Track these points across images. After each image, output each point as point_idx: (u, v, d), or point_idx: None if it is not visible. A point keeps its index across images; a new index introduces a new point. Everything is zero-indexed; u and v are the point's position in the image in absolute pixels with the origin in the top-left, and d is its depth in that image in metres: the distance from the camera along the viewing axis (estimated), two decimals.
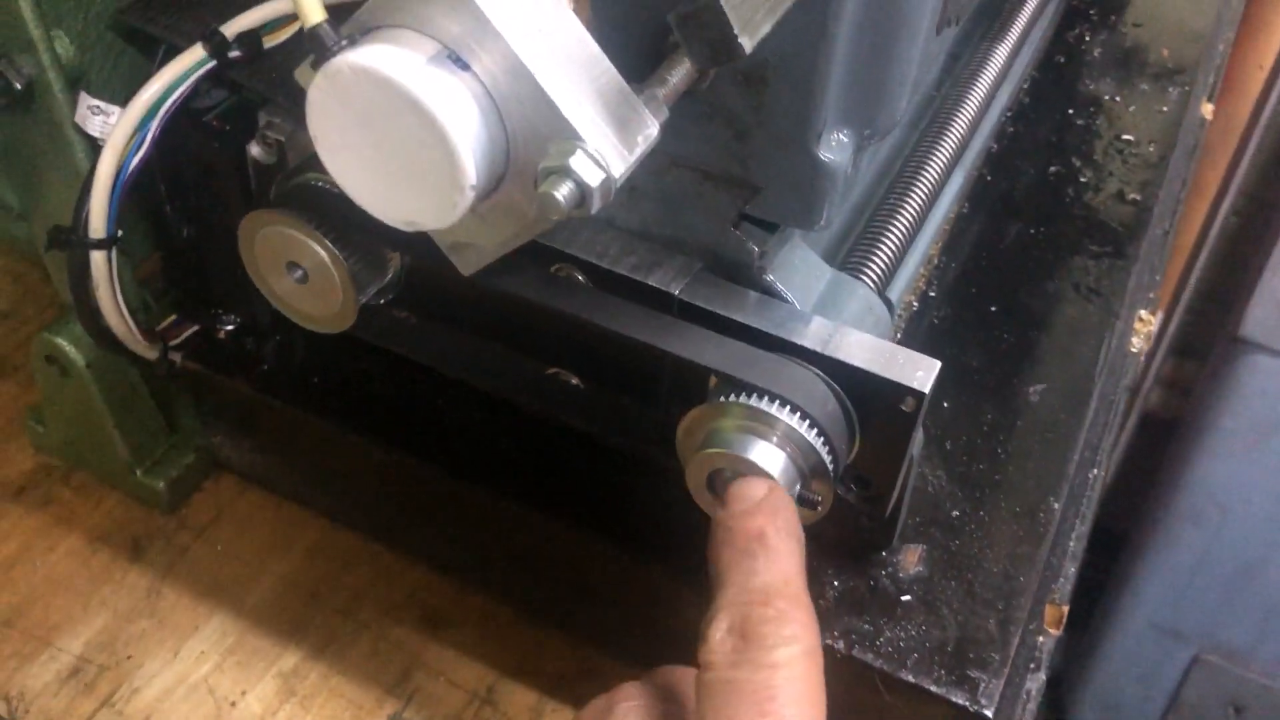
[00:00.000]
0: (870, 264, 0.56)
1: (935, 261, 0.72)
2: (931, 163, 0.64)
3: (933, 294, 0.70)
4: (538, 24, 0.39)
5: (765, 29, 0.38)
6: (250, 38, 0.55)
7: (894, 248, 0.57)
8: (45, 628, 0.63)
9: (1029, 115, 0.83)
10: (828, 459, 0.47)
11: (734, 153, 0.47)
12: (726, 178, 0.48)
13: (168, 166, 0.59)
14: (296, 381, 0.64)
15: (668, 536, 0.55)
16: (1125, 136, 0.82)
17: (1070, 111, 0.84)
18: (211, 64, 0.55)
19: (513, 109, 0.39)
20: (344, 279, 0.54)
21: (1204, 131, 0.91)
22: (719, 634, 0.39)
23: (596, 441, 0.57)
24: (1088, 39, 0.91)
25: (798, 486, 0.47)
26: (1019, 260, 0.73)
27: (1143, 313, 0.75)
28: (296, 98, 0.54)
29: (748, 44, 0.37)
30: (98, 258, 0.57)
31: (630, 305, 0.50)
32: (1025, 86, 0.85)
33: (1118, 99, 0.86)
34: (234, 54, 0.55)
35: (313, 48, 0.39)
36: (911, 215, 0.60)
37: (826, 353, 0.48)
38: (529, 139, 0.40)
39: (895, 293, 0.64)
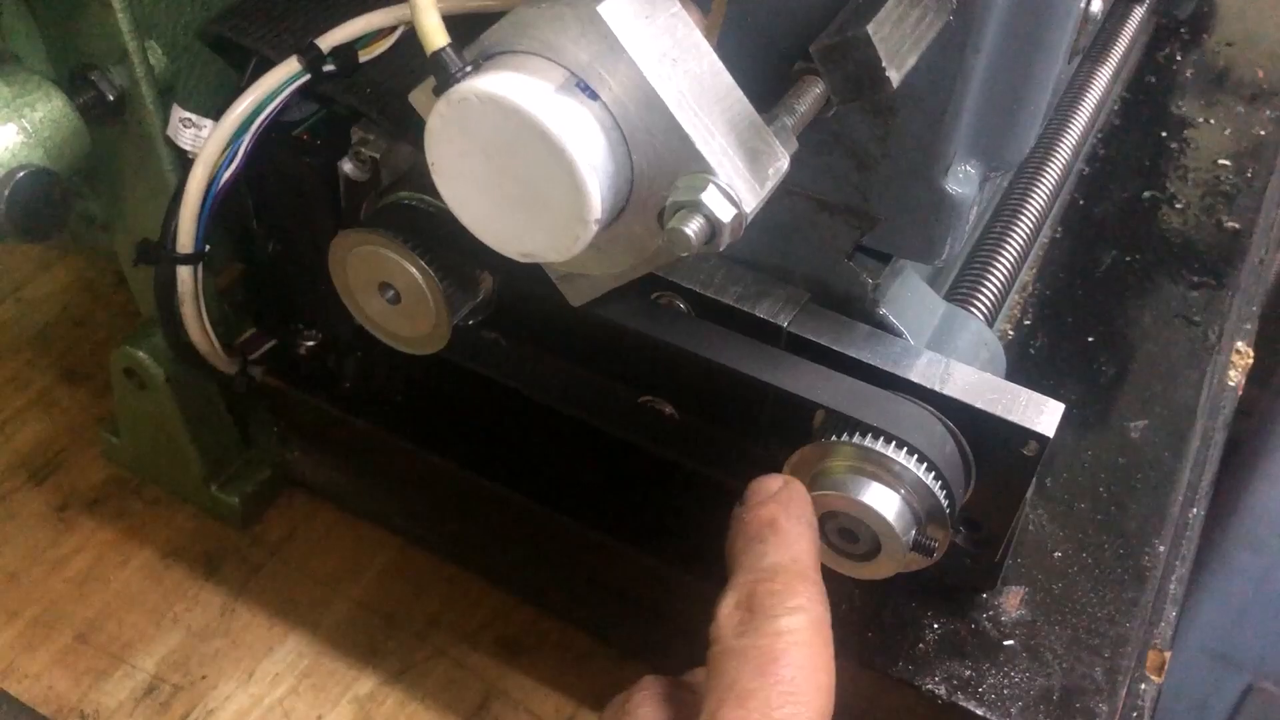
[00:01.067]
0: (979, 295, 0.54)
1: (1030, 288, 0.70)
2: (1038, 188, 0.62)
3: (1028, 322, 0.68)
4: (670, 52, 0.37)
5: (911, 61, 0.36)
6: (345, 52, 0.54)
7: (1003, 278, 0.56)
8: (119, 644, 0.62)
9: (1120, 137, 0.81)
10: (945, 503, 0.45)
11: (855, 183, 0.45)
12: (844, 208, 0.46)
13: (255, 180, 0.57)
14: (377, 400, 0.63)
15: None
16: (1222, 161, 0.80)
17: (1163, 134, 0.82)
18: (306, 78, 0.53)
19: (641, 139, 0.37)
20: (437, 300, 0.52)
21: None
22: (727, 610, 0.39)
23: (686, 473, 0.55)
24: (1179, 58, 0.89)
25: (913, 531, 0.45)
26: (1114, 288, 0.71)
27: (1240, 345, 0.73)
28: (392, 114, 0.54)
29: (895, 77, 0.36)
30: (184, 273, 0.55)
31: (735, 336, 0.48)
32: (1115, 107, 0.83)
33: (1211, 121, 0.83)
34: (328, 68, 0.54)
35: (435, 73, 0.38)
36: (1019, 243, 0.59)
37: (944, 391, 0.46)
38: (656, 171, 0.38)
39: (995, 323, 0.62)
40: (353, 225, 0.54)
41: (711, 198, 0.36)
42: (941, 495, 0.45)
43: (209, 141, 0.53)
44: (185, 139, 0.55)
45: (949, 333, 0.50)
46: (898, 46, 0.36)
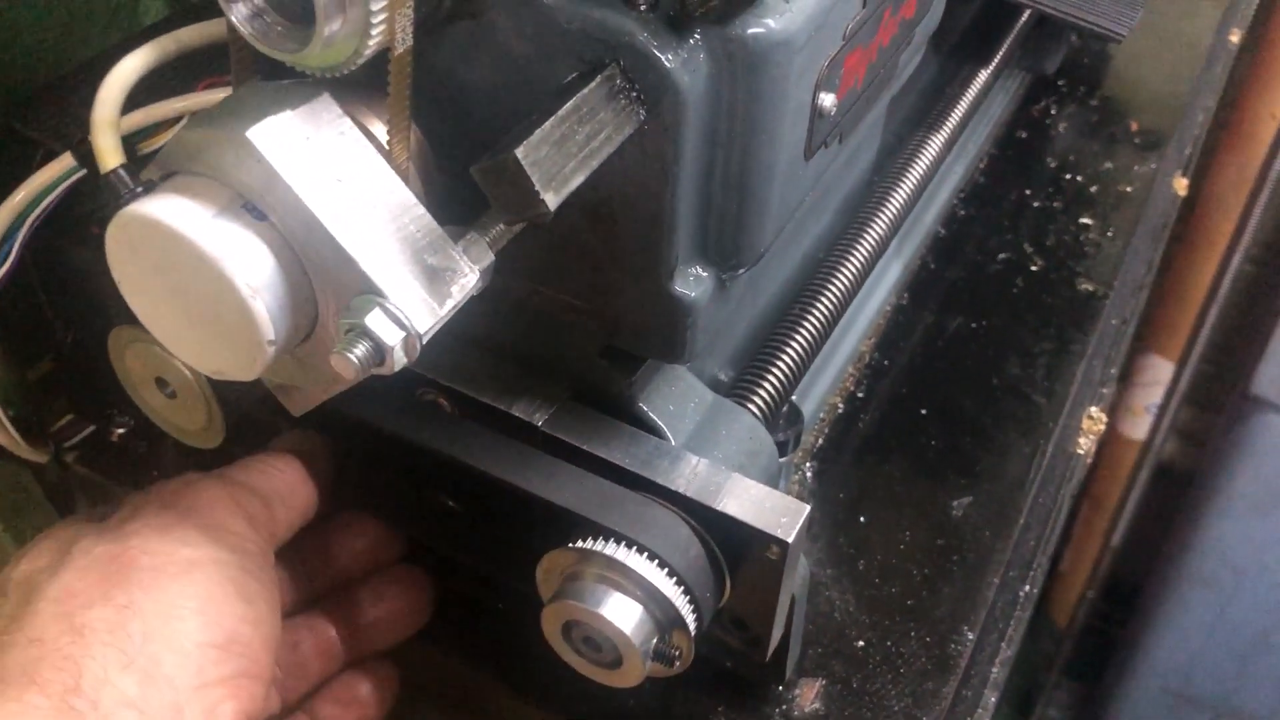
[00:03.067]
0: (765, 381, 0.53)
1: (867, 359, 0.69)
2: (850, 260, 0.61)
3: (861, 395, 0.67)
4: (335, 173, 0.36)
5: (576, 181, 0.36)
6: (125, 144, 0.53)
7: (798, 357, 0.54)
8: None
9: (982, 196, 0.80)
10: (689, 613, 0.44)
11: (591, 283, 0.45)
12: (587, 308, 0.45)
13: (45, 273, 0.57)
14: None
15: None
16: (1083, 220, 0.79)
17: (1027, 192, 0.81)
18: (81, 172, 0.53)
19: (313, 259, 0.37)
20: (209, 396, 0.52)
21: (1175, 209, 0.87)
22: None
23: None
24: (1054, 112, 0.88)
25: (654, 640, 0.44)
26: (957, 357, 0.70)
27: (1093, 410, 0.72)
28: None
29: (552, 201, 0.35)
30: None
31: (494, 437, 0.48)
32: (982, 165, 0.82)
33: (1079, 178, 0.82)
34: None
35: (108, 194, 0.37)
36: (822, 319, 0.57)
37: (690, 494, 0.45)
38: (334, 290, 0.37)
39: (813, 397, 0.61)
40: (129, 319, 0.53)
41: (377, 321, 0.36)
42: (685, 603, 0.44)
43: None
44: None
45: (715, 427, 0.49)
46: (558, 167, 0.35)
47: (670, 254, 0.42)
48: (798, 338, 0.55)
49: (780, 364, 0.54)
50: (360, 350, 0.36)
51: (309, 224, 0.36)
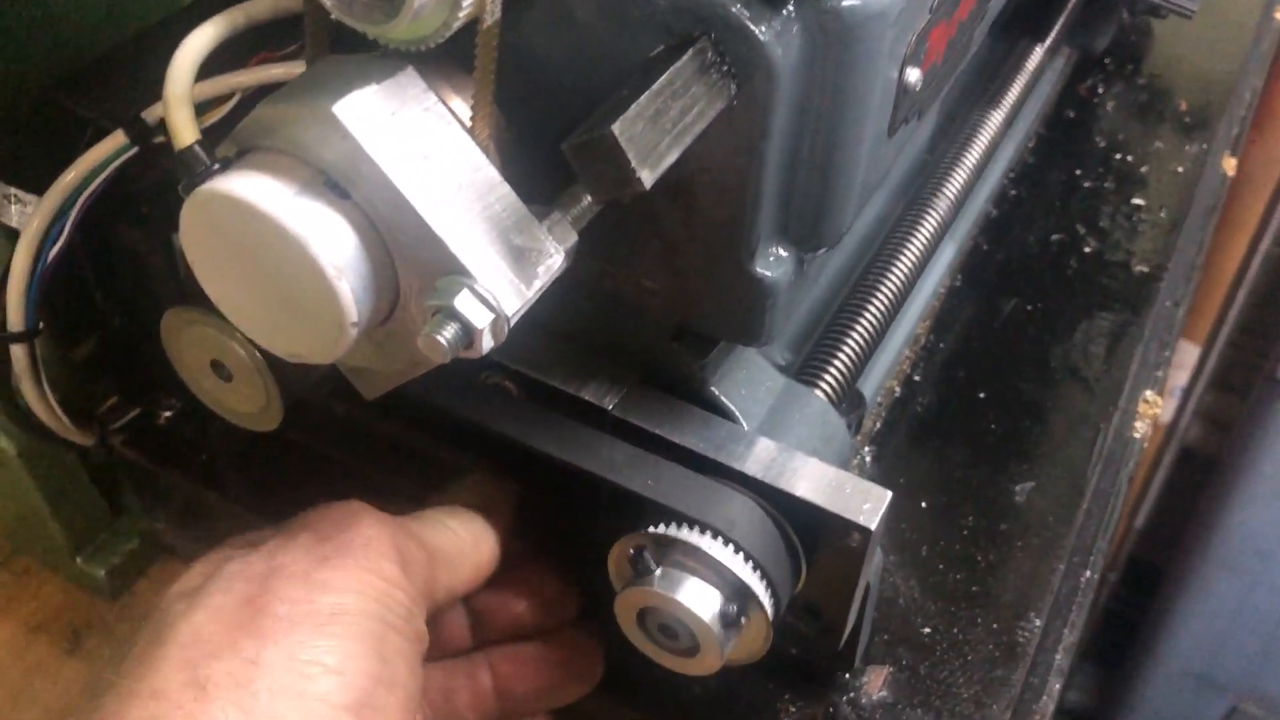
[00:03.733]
0: (833, 365, 0.52)
1: (923, 341, 0.68)
2: (913, 241, 0.60)
3: (918, 378, 0.66)
4: (421, 149, 0.35)
5: (670, 158, 0.34)
6: None
7: (862, 342, 0.53)
8: None
9: (1033, 177, 0.79)
10: (768, 600, 0.43)
11: (667, 265, 0.43)
12: (661, 290, 0.44)
13: (96, 253, 0.56)
14: (235, 471, 0.61)
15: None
16: (1135, 200, 0.78)
17: (1078, 173, 0.79)
18: (133, 151, 0.52)
19: (398, 239, 0.36)
20: (267, 380, 0.51)
21: (1225, 189, 0.85)
22: None
23: None
24: (1101, 91, 0.86)
25: (733, 630, 0.43)
26: (1012, 340, 0.68)
27: (1149, 394, 0.71)
28: None
29: (648, 178, 0.34)
30: (17, 351, 0.54)
31: (562, 420, 0.47)
32: (1030, 145, 0.81)
33: (1130, 158, 0.81)
34: (159, 139, 0.52)
35: (181, 171, 0.36)
36: (886, 302, 0.56)
37: (767, 480, 0.44)
38: (418, 270, 0.36)
39: (872, 381, 0.60)
40: (185, 301, 0.52)
41: (466, 303, 0.35)
42: (763, 589, 0.43)
43: (33, 217, 0.52)
44: (11, 215, 0.53)
45: (787, 412, 0.48)
46: (653, 143, 0.34)
47: (752, 234, 0.41)
48: (864, 320, 0.54)
49: (848, 347, 0.53)
50: (449, 332, 0.34)
51: (395, 202, 0.35)
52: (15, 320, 0.53)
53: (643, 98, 0.34)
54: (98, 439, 0.60)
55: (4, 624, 0.64)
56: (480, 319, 0.35)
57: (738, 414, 0.47)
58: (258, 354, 0.50)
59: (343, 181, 0.35)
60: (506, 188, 0.36)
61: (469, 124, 0.37)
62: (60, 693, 0.61)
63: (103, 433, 0.61)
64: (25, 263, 0.52)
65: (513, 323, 0.35)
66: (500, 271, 0.35)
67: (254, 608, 0.38)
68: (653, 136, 0.34)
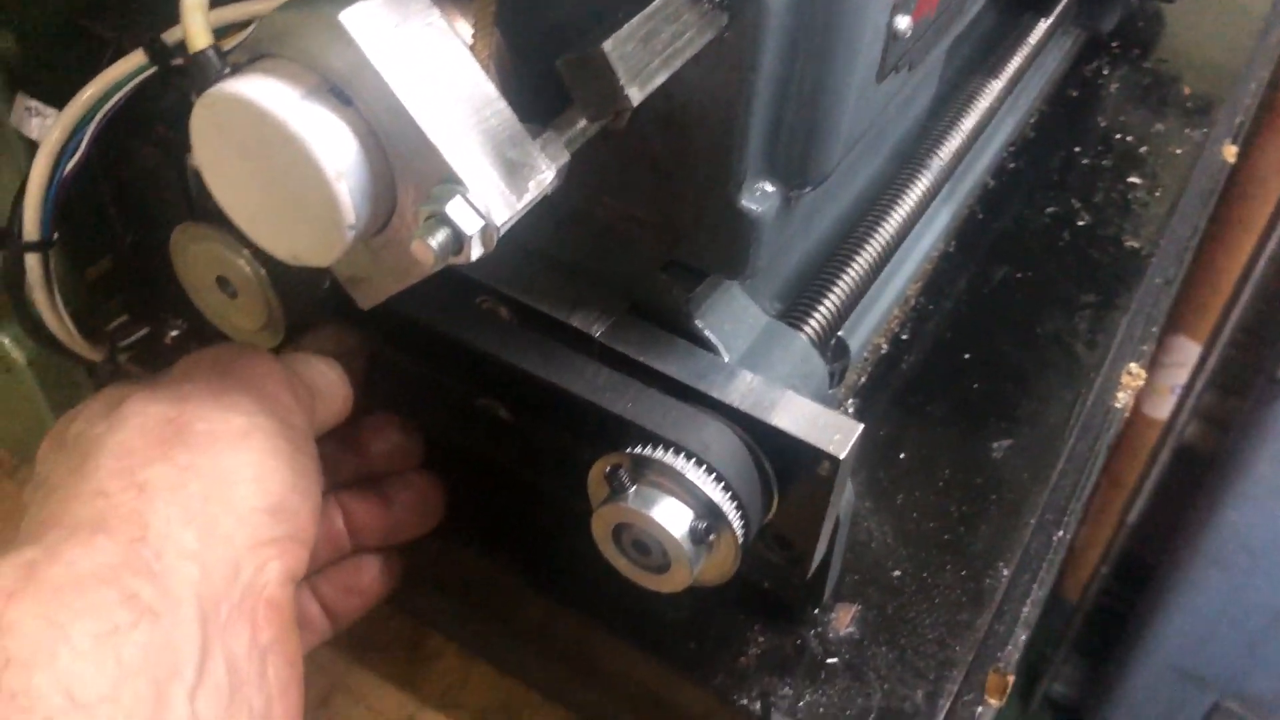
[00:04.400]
0: (818, 310, 0.53)
1: (913, 303, 0.69)
2: (905, 200, 0.62)
3: (905, 337, 0.67)
4: (422, 60, 0.37)
5: (659, 79, 0.36)
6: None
7: (849, 291, 0.55)
8: None
9: (1032, 151, 0.80)
10: (737, 521, 0.45)
11: (657, 196, 0.45)
12: (650, 221, 0.46)
13: (111, 171, 0.58)
14: None
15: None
16: (1131, 179, 0.79)
17: (1077, 149, 0.81)
18: (151, 70, 0.53)
19: (396, 147, 0.37)
20: (270, 296, 0.52)
21: (1223, 175, 0.87)
22: None
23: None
24: (1106, 73, 0.88)
25: (702, 548, 0.45)
26: (1001, 306, 0.70)
27: (1133, 366, 0.72)
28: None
29: (635, 95, 0.35)
30: (31, 260, 0.56)
31: (552, 345, 0.48)
32: (1033, 120, 0.82)
33: (1130, 138, 0.82)
34: (177, 61, 0.54)
35: (194, 73, 0.38)
36: (875, 256, 0.58)
37: (743, 409, 0.46)
38: (415, 179, 0.38)
39: (859, 335, 0.62)
40: (194, 217, 0.54)
41: (457, 209, 0.36)
42: (734, 512, 0.45)
43: (51, 130, 0.53)
44: (31, 128, 0.55)
45: (768, 349, 0.50)
46: (643, 64, 0.36)
47: (740, 167, 0.43)
48: (851, 270, 0.56)
49: (833, 295, 0.54)
50: (440, 238, 0.36)
51: (395, 111, 0.36)
52: (31, 230, 0.55)
53: (635, 19, 0.36)
54: (106, 355, 0.62)
55: (10, 528, 0.66)
56: (470, 226, 0.36)
57: (720, 346, 0.48)
58: (262, 270, 0.52)
59: (346, 88, 0.37)
60: (503, 103, 0.38)
61: (470, 41, 0.38)
62: None
63: (111, 349, 0.63)
64: (43, 173, 0.54)
65: (501, 232, 0.37)
66: (492, 182, 0.37)
67: (174, 426, 0.41)
68: (643, 57, 0.36)
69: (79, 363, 0.63)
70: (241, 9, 0.51)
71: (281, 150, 0.37)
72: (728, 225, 0.44)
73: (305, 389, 0.47)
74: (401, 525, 0.53)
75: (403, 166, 0.38)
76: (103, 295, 0.63)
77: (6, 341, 0.61)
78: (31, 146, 0.56)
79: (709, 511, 0.45)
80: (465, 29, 0.39)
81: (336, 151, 0.37)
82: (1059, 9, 0.76)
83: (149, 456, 0.40)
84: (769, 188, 0.44)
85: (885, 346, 0.67)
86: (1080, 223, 0.76)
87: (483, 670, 0.61)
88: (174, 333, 0.63)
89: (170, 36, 0.54)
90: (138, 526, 0.38)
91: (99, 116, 0.54)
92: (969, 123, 0.67)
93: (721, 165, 0.42)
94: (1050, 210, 0.76)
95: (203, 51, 0.38)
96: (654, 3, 0.36)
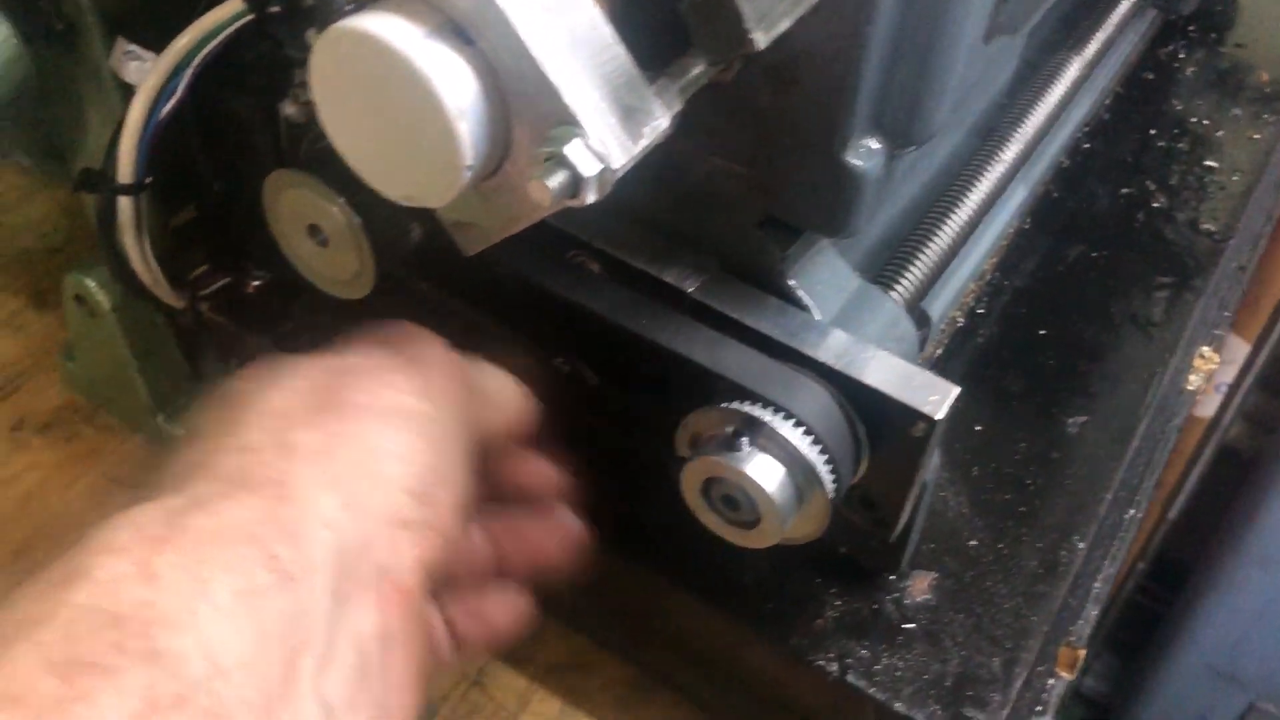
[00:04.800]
0: (904, 277, 0.53)
1: (989, 278, 0.69)
2: (987, 174, 0.61)
3: (981, 311, 0.67)
4: (547, 3, 0.37)
5: (784, 25, 0.36)
6: None
7: (934, 261, 0.55)
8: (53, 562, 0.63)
9: (1107, 132, 0.80)
10: (829, 478, 0.45)
11: (760, 152, 0.45)
12: (751, 177, 0.46)
13: (202, 118, 0.58)
14: (319, 341, 0.63)
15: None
16: (1208, 162, 0.78)
17: (1152, 132, 0.80)
18: (249, 18, 0.54)
19: (516, 90, 0.37)
20: (363, 246, 0.53)
21: None
22: None
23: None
24: (1182, 56, 0.87)
25: (793, 503, 0.45)
26: (1077, 284, 0.70)
27: (1205, 350, 0.72)
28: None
29: (761, 39, 0.35)
30: (124, 203, 0.56)
31: (640, 299, 0.49)
32: (1107, 102, 0.81)
33: (1206, 122, 0.82)
34: (273, 9, 0.54)
35: (319, 10, 0.38)
36: (958, 228, 0.58)
37: (838, 368, 0.46)
38: (532, 122, 0.38)
39: (938, 307, 0.62)
40: (288, 165, 0.54)
41: (576, 151, 0.36)
42: (826, 470, 0.45)
43: (149, 75, 0.54)
44: (129, 72, 0.56)
45: (859, 310, 0.50)
46: (769, 8, 0.36)
47: (849, 123, 0.42)
48: (937, 240, 0.56)
49: (919, 263, 0.54)
50: (558, 179, 0.36)
51: (517, 51, 0.36)
52: (125, 173, 0.55)
53: None
54: (188, 303, 0.63)
55: (85, 475, 0.67)
56: (589, 168, 0.36)
57: (813, 306, 0.48)
58: (356, 219, 0.52)
59: (469, 28, 0.37)
60: (621, 48, 0.38)
61: None
62: None
63: (193, 297, 0.63)
64: (139, 117, 0.54)
65: (618, 176, 0.37)
66: (610, 126, 0.37)
67: (329, 393, 0.41)
68: (768, 1, 0.36)
69: (161, 309, 0.64)
70: None
71: (403, 88, 0.37)
72: (832, 182, 0.44)
73: (476, 390, 0.45)
74: (541, 556, 0.50)
75: (521, 108, 0.38)
76: (185, 243, 0.64)
77: (92, 285, 0.62)
78: (127, 91, 0.57)
79: (801, 468, 0.45)
80: None
81: (458, 90, 0.37)
82: None
83: (299, 420, 0.39)
84: (874, 145, 0.44)
85: (961, 320, 0.66)
86: (1155, 205, 0.75)
87: (551, 626, 0.62)
88: (255, 283, 0.64)
89: None
90: (281, 487, 0.37)
91: (195, 62, 0.54)
92: (1050, 100, 0.66)
93: (830, 120, 0.42)
94: (1125, 191, 0.76)
95: None
96: None
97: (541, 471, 0.51)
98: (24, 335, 0.73)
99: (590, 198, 0.37)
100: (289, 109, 0.56)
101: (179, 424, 0.67)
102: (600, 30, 0.38)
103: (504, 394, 0.48)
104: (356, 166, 0.41)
